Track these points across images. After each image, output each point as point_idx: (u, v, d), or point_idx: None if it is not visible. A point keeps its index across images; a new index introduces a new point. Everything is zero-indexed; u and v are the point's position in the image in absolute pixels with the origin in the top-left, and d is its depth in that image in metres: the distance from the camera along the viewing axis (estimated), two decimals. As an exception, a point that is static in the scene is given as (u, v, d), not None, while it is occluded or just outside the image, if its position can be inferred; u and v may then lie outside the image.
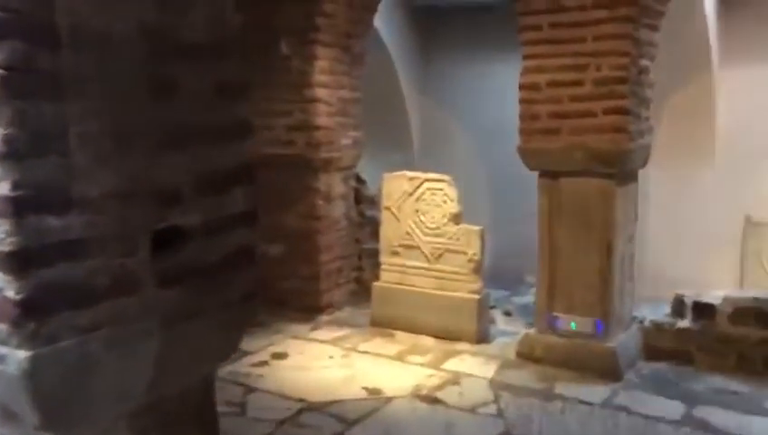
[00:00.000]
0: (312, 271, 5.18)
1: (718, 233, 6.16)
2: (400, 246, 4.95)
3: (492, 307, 5.31)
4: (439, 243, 4.78)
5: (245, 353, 4.52)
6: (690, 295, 4.45)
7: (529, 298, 6.27)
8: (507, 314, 5.53)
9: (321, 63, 4.96)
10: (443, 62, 7.26)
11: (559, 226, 4.19)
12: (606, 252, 4.06)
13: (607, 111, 3.89)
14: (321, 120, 5.01)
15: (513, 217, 6.78)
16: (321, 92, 4.97)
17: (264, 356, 4.51)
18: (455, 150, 7.32)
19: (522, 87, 4.14)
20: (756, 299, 4.10)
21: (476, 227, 4.67)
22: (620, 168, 3.99)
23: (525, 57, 4.12)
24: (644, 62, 4.04)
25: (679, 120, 6.09)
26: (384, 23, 6.61)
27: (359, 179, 5.62)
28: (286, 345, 4.69)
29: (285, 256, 5.27)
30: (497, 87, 6.62)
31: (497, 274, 7.13)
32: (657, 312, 5.28)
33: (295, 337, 4.84)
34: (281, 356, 4.52)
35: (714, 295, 4.32)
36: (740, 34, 5.98)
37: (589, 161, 3.98)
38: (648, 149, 4.26)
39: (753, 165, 6.01)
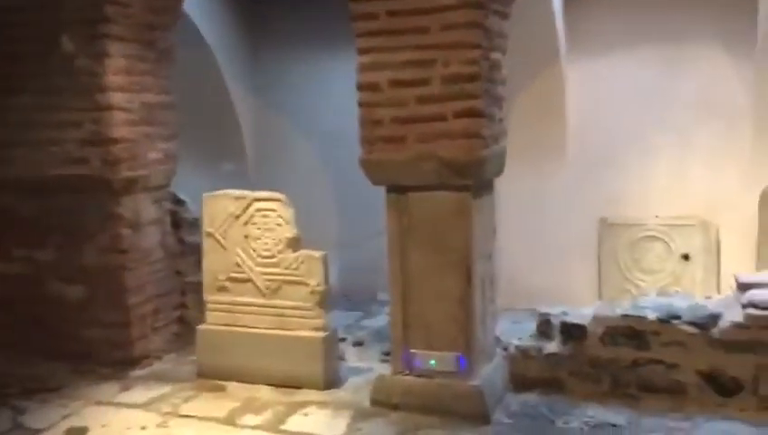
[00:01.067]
0: (120, 316, 4.31)
1: (574, 236, 5.96)
2: (228, 279, 4.20)
3: (341, 340, 4.70)
4: (275, 274, 4.09)
5: (34, 432, 3.61)
6: (557, 314, 4.08)
7: (383, 319, 5.75)
8: (359, 344, 4.95)
9: (115, 62, 4.10)
10: (275, 58, 6.56)
11: (411, 248, 3.65)
12: (465, 276, 3.57)
13: (458, 114, 3.39)
14: (120, 132, 4.14)
15: (364, 230, 6.24)
16: (116, 97, 4.11)
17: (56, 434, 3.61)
18: (295, 158, 6.65)
19: (359, 87, 3.55)
20: (626, 317, 3.78)
21: (318, 253, 4.03)
22: (476, 178, 3.52)
23: (361, 52, 3.53)
24: (495, 55, 3.58)
25: (529, 117, 5.82)
26: (201, 12, 5.80)
27: (176, 200, 4.79)
28: (86, 416, 3.80)
29: (86, 299, 4.36)
30: (340, 86, 6.02)
31: (348, 292, 6.56)
32: (520, 330, 4.93)
33: (99, 403, 3.95)
34: (79, 432, 3.62)
35: (582, 314, 3.97)
36: (585, 25, 5.80)
37: (440, 173, 3.47)
38: (504, 154, 3.83)
39: (604, 162, 5.86)
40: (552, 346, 3.95)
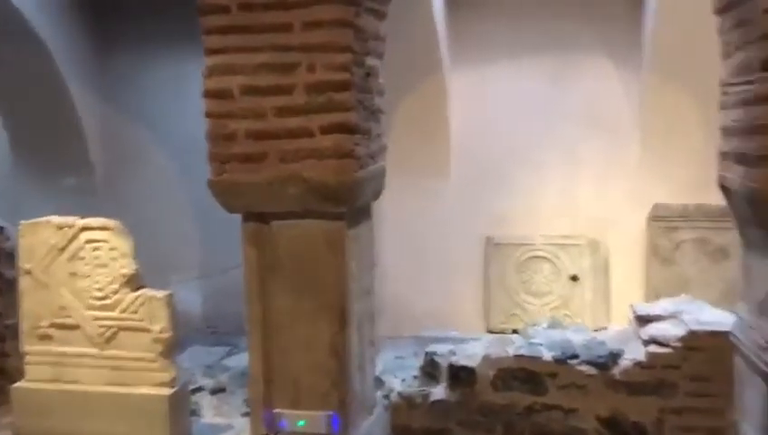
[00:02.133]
0: None
1: (459, 257, 5.59)
2: (52, 326, 3.48)
3: (196, 390, 4.06)
4: (109, 318, 3.40)
5: None
6: (443, 354, 3.64)
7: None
8: (219, 390, 4.31)
9: None
10: (126, 58, 5.79)
11: (274, 288, 3.09)
12: (339, 319, 3.05)
13: (326, 129, 2.87)
14: None
15: (232, 253, 5.58)
16: None
17: None
18: (151, 170, 5.90)
19: (206, 94, 2.96)
20: (519, 357, 3.39)
21: (161, 293, 3.38)
22: (350, 204, 3.00)
23: (209, 52, 2.94)
24: (371, 60, 3.09)
25: (409, 130, 5.38)
26: (34, 5, 4.97)
27: (-10, 227, 3.97)
28: None
29: None
30: (197, 92, 5.38)
31: (213, 324, 5.89)
32: (404, 367, 4.49)
33: None
34: None
35: (471, 353, 3.55)
36: (469, 31, 5.44)
37: (307, 198, 2.93)
38: (383, 174, 3.34)
39: (489, 179, 5.52)
40: (439, 391, 3.50)
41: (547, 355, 3.40)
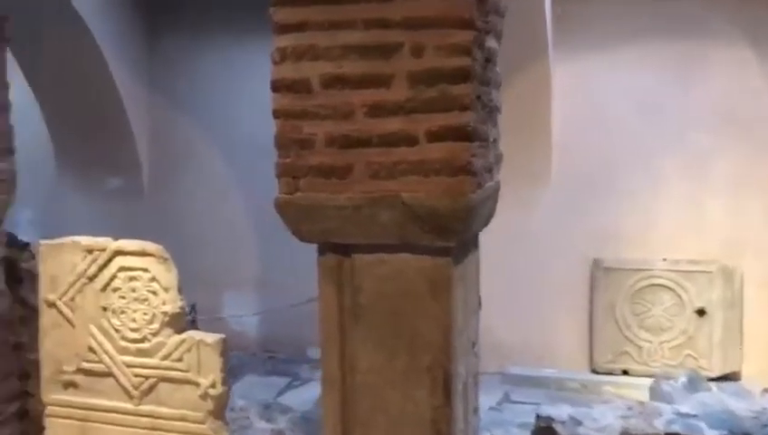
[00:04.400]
0: None
1: (559, 281, 4.82)
2: (79, 371, 2.85)
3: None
4: (148, 366, 2.76)
5: None
6: (563, 421, 2.89)
7: (316, 390, 4.47)
8: (279, 440, 3.66)
9: None
10: (177, 45, 5.19)
11: (357, 338, 2.38)
12: (442, 387, 2.32)
13: (436, 135, 2.15)
14: None
15: (292, 267, 4.94)
16: None
17: None
18: (203, 170, 5.29)
19: (275, 87, 2.26)
20: (674, 436, 2.61)
21: (213, 337, 2.71)
22: (461, 235, 2.27)
23: (282, 29, 2.24)
24: (491, 41, 2.35)
25: (506, 124, 4.60)
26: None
27: (14, 243, 3.38)
28: None
29: None
30: (259, 81, 4.74)
31: (269, 347, 5.26)
32: (499, 423, 3.77)
33: None
34: None
35: (602, 426, 2.79)
36: (573, 15, 4.65)
37: (406, 227, 2.22)
38: (498, 193, 2.60)
39: (598, 189, 4.73)
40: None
41: (710, 433, 2.62)
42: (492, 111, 2.42)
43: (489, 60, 2.33)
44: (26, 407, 3.45)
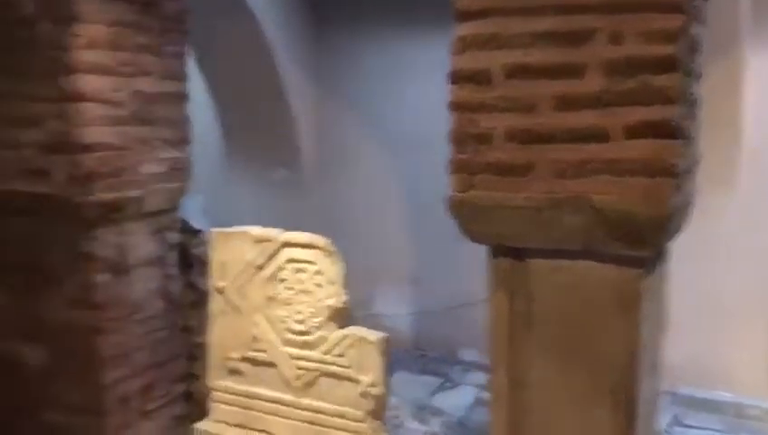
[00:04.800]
0: (90, 399, 3.06)
1: (740, 293, 4.35)
2: (244, 359, 2.89)
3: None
4: (310, 359, 2.74)
5: None
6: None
7: (468, 395, 4.35)
8: (433, 443, 3.56)
9: (90, 30, 2.81)
10: (344, 34, 5.20)
11: (531, 352, 2.22)
12: (625, 411, 2.11)
13: (635, 131, 1.94)
14: (95, 134, 2.87)
15: (447, 263, 4.83)
16: (91, 83, 2.84)
17: None
18: (363, 164, 5.29)
19: (454, 78, 2.14)
20: None
21: (374, 335, 2.64)
22: (658, 245, 2.04)
23: (464, 17, 2.10)
24: (696, 28, 2.09)
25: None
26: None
27: (186, 229, 3.49)
28: None
29: (49, 367, 3.14)
30: (426, 75, 4.66)
31: (420, 345, 5.17)
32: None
33: None
34: None
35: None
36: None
37: (594, 233, 2.02)
38: (694, 196, 2.32)
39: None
40: None
41: None
42: (693, 106, 2.16)
43: (694, 48, 2.07)
44: (191, 389, 3.58)
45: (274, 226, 2.92)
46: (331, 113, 5.27)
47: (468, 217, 2.18)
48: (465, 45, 2.09)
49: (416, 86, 4.83)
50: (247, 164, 5.42)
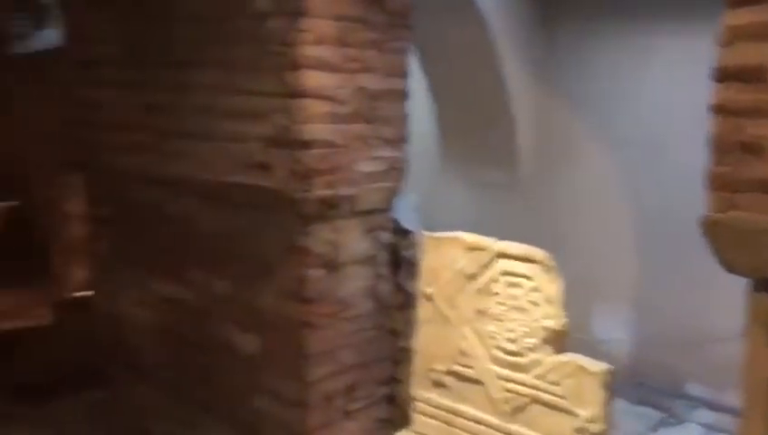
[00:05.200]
0: (296, 391, 3.08)
1: None
2: (449, 372, 2.74)
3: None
4: (520, 383, 2.52)
5: None
6: None
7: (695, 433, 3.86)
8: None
9: (317, 25, 2.81)
10: (573, 35, 4.88)
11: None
12: None
13: None
14: (316, 131, 2.87)
15: (674, 286, 4.34)
16: (316, 79, 2.83)
17: None
18: (586, 169, 4.92)
19: (720, 76, 1.79)
20: None
21: (596, 366, 2.35)
22: None
23: (736, 2, 1.75)
24: None
25: None
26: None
27: (398, 230, 3.41)
28: None
29: (261, 355, 3.22)
30: (671, 70, 4.24)
31: (639, 374, 4.70)
32: None
33: None
34: None
35: None
36: None
37: None
38: None
39: None
40: None
41: None
42: None
43: None
44: (394, 393, 3.50)
45: (486, 229, 2.74)
46: (553, 114, 4.97)
47: (726, 244, 1.83)
48: (735, 36, 1.74)
49: (654, 84, 4.39)
50: (462, 164, 5.29)
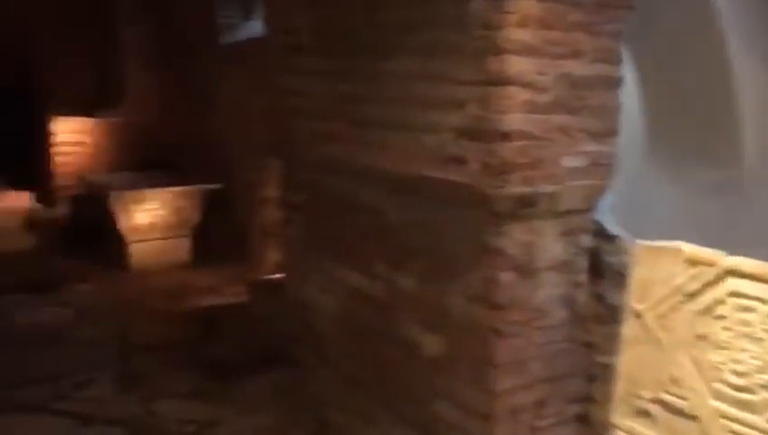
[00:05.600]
0: (481, 401, 2.88)
1: None
2: (657, 401, 2.39)
3: None
4: (751, 426, 2.13)
5: None
6: None
7: None
8: None
9: (522, 6, 2.55)
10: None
11: None
12: None
13: None
14: (515, 122, 2.62)
15: None
16: (518, 65, 2.58)
17: None
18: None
19: None
20: None
21: None
22: None
23: None
24: None
25: None
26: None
27: (601, 234, 3.07)
28: None
29: (445, 358, 3.06)
30: None
31: None
32: None
33: None
34: None
35: None
36: None
37: None
38: None
39: None
40: None
41: None
42: None
43: None
44: (587, 412, 3.19)
45: (703, 239, 2.35)
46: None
47: None
48: None
49: None
50: (673, 162, 4.74)
